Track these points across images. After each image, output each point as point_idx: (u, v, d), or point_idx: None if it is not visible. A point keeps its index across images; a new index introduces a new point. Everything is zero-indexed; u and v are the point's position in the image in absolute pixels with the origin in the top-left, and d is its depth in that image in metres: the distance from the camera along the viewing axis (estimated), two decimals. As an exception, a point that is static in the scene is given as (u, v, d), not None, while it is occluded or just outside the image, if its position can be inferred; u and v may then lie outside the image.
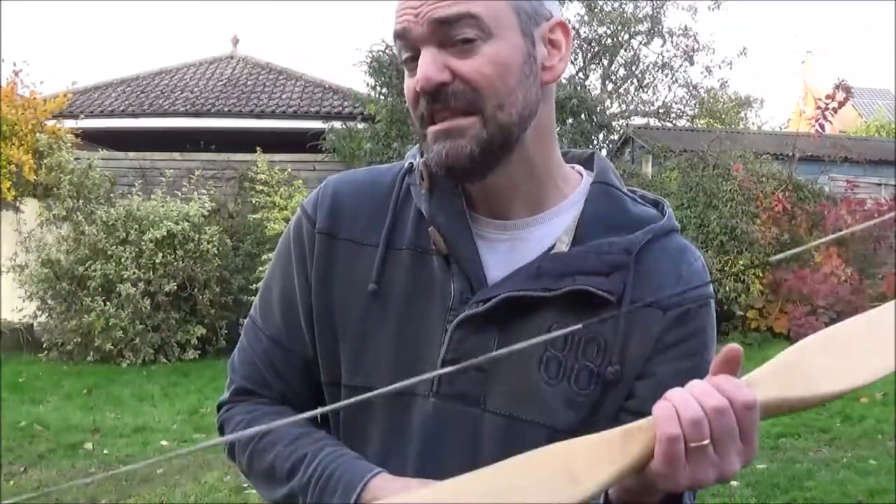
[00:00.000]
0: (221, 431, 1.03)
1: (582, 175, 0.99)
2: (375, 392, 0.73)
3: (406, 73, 0.89)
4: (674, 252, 0.94)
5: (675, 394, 0.71)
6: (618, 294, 0.88)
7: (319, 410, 0.86)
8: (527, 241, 0.93)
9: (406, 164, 0.98)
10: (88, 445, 5.16)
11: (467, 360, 0.81)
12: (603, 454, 0.70)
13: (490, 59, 0.85)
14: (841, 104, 9.38)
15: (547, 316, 0.89)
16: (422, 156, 0.94)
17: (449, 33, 0.84)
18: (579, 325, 0.78)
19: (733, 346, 0.72)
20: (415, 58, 0.87)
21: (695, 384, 0.71)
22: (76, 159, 8.83)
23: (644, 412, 0.75)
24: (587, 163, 1.01)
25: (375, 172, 1.02)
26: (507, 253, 0.92)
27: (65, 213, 8.43)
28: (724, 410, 0.69)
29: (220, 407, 1.05)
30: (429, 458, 0.91)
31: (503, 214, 0.94)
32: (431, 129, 0.87)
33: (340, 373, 0.96)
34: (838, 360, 0.74)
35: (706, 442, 0.68)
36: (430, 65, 0.84)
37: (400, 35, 0.87)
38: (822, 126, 9.48)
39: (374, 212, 0.96)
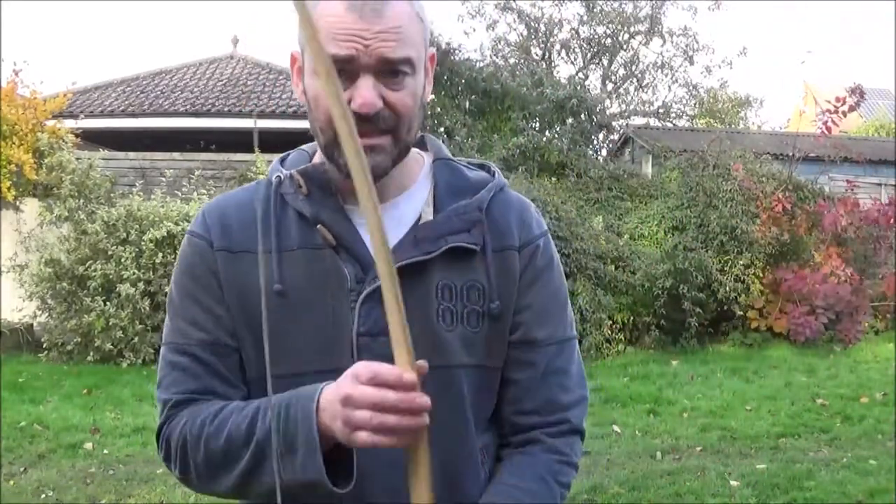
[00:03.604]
0: (168, 455, 1.07)
1: (423, 156, 1.17)
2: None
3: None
4: (513, 203, 1.16)
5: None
6: (480, 244, 1.08)
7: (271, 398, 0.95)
8: (395, 219, 1.09)
9: (274, 179, 1.10)
10: (88, 445, 5.16)
11: (377, 328, 1.02)
12: None
13: (410, 91, 1.02)
14: (852, 108, 9.33)
15: (432, 275, 1.07)
16: (282, 164, 1.14)
17: (388, 68, 0.99)
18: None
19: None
20: (343, 75, 0.97)
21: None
22: (77, 159, 8.84)
23: (530, 337, 1.12)
24: (421, 145, 1.19)
25: (244, 192, 1.16)
26: None
27: (66, 213, 8.43)
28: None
29: (159, 432, 1.09)
30: None
31: None
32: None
33: (264, 367, 1.03)
34: None
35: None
36: (372, 93, 0.98)
37: (344, 60, 0.97)
38: (828, 128, 9.44)
39: (256, 224, 1.08)
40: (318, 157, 1.12)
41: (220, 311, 1.09)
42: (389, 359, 1.03)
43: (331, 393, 0.94)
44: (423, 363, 0.90)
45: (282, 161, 1.16)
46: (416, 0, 1.03)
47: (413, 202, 1.11)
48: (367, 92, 0.97)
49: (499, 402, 1.16)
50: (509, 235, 1.12)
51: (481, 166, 1.20)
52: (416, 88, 1.03)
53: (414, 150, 1.16)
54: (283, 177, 1.10)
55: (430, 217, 1.09)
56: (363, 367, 0.91)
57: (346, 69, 0.97)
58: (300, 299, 1.05)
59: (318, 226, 1.06)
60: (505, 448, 1.17)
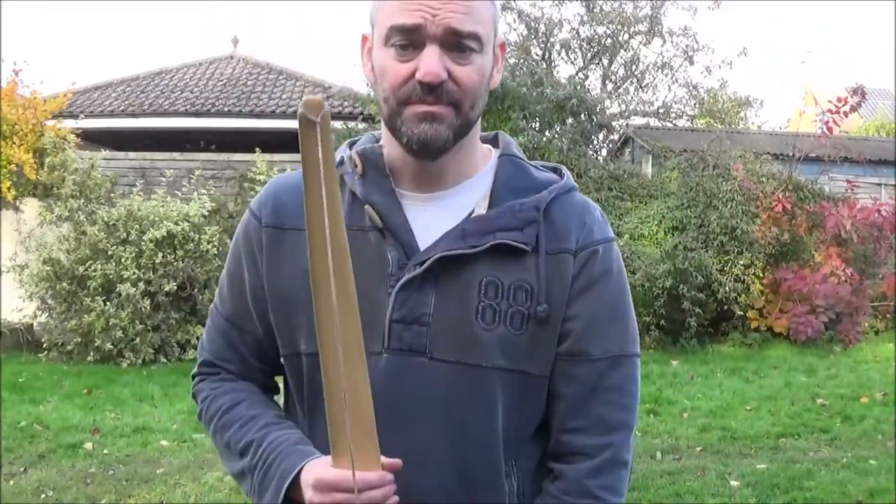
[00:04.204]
0: (195, 398, 1.22)
1: (491, 151, 1.15)
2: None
3: (392, 54, 1.00)
4: (577, 205, 1.11)
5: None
6: (532, 244, 1.04)
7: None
8: (449, 208, 1.07)
9: (337, 159, 1.07)
10: (88, 445, 5.16)
11: (412, 317, 1.03)
12: None
13: (477, 68, 1.01)
14: (853, 108, 9.32)
15: (477, 270, 1.03)
16: (350, 147, 1.13)
17: (455, 40, 0.99)
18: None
19: None
20: (410, 46, 0.99)
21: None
22: (80, 159, 8.84)
23: (579, 349, 1.06)
24: (493, 141, 1.18)
25: None
26: (432, 220, 1.06)
27: (66, 213, 8.43)
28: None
29: (193, 377, 1.23)
30: (389, 406, 1.02)
31: (428, 188, 1.08)
32: (419, 109, 1.00)
33: (298, 344, 1.09)
34: None
35: None
36: (438, 63, 0.98)
37: (411, 30, 0.98)
38: (829, 129, 9.43)
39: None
40: (384, 141, 1.11)
41: (250, 292, 1.13)
42: (420, 349, 1.04)
43: (307, 489, 1.00)
44: (397, 461, 0.98)
45: (351, 144, 1.15)
46: None
47: (470, 194, 1.09)
48: (431, 61, 0.97)
49: (550, 416, 1.10)
50: (566, 238, 1.07)
51: (554, 169, 1.16)
52: (483, 67, 1.02)
53: (484, 146, 1.15)
54: (344, 158, 1.10)
55: (483, 211, 1.06)
56: (340, 478, 0.95)
57: (413, 39, 0.98)
58: None
59: (367, 206, 1.06)
60: (545, 476, 1.11)
